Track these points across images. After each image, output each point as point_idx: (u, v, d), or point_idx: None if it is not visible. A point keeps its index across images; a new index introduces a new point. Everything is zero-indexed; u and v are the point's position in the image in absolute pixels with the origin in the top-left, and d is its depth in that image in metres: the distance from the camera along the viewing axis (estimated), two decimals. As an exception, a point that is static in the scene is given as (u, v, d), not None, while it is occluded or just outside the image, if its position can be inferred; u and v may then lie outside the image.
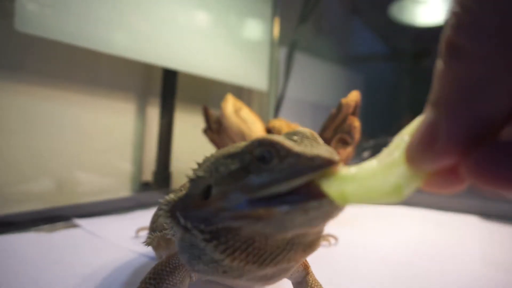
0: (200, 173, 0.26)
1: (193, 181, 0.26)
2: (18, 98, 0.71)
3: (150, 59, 0.86)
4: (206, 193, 0.25)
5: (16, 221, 0.61)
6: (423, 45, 1.66)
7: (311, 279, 0.34)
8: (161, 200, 0.30)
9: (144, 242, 0.40)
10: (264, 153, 0.23)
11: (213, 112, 0.86)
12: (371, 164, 0.20)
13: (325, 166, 0.21)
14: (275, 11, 1.29)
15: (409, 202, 1.02)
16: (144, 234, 0.57)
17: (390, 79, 1.80)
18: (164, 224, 0.30)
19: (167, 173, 0.98)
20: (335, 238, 0.60)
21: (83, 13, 0.71)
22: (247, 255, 0.23)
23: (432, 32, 1.57)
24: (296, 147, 0.23)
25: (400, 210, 0.95)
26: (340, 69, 1.74)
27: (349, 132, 0.65)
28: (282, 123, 0.79)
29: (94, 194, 0.84)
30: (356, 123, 0.66)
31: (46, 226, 0.61)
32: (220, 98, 0.82)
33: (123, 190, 0.93)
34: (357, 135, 0.66)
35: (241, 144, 0.26)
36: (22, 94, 0.71)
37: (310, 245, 0.25)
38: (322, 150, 0.23)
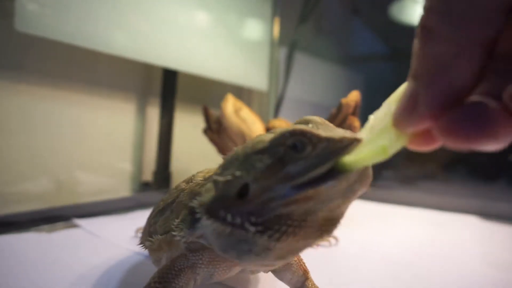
0: (237, 173, 0.26)
1: (228, 182, 0.26)
2: (18, 98, 0.71)
3: (150, 59, 0.86)
4: (242, 192, 0.26)
5: (16, 221, 0.61)
6: (423, 45, 1.65)
7: (310, 283, 0.34)
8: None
9: (140, 245, 0.40)
10: (297, 143, 0.24)
11: (213, 112, 0.86)
12: (364, 133, 0.24)
13: (352, 144, 0.24)
14: (275, 11, 1.29)
15: (409, 202, 1.02)
16: (144, 234, 0.57)
17: (390, 79, 1.80)
18: (172, 226, 0.31)
19: (167, 173, 0.98)
20: (336, 239, 0.60)
21: (83, 13, 0.71)
22: (298, 233, 0.25)
23: (432, 32, 1.57)
24: (323, 133, 0.25)
25: (400, 210, 0.96)
26: (340, 69, 1.74)
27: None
28: (282, 123, 0.79)
29: (94, 194, 0.84)
30: (356, 123, 0.66)
31: (46, 226, 0.61)
32: (220, 98, 0.82)
33: (123, 190, 0.93)
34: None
35: (265, 138, 0.26)
36: (22, 94, 0.71)
37: (338, 219, 0.27)
38: (342, 132, 0.25)
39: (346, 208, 0.26)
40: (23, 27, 0.62)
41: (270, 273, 0.35)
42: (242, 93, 1.30)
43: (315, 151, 0.24)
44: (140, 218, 0.70)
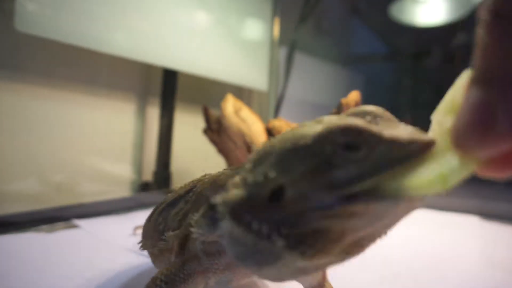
0: (272, 174, 0.21)
1: (258, 182, 0.22)
2: (18, 98, 0.71)
3: (150, 59, 0.86)
4: (275, 194, 0.21)
5: (16, 221, 0.61)
6: (423, 45, 1.66)
7: (327, 285, 0.32)
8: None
9: (143, 249, 0.37)
10: (350, 143, 0.20)
11: (213, 112, 0.86)
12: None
13: (423, 151, 0.19)
14: (275, 11, 1.29)
15: (409, 202, 1.02)
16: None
17: (390, 79, 1.80)
18: (191, 221, 0.27)
19: (167, 173, 0.98)
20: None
21: (83, 13, 0.71)
22: (331, 252, 0.21)
23: (432, 32, 1.57)
24: (385, 133, 0.20)
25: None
26: (340, 69, 1.74)
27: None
28: (282, 123, 0.79)
29: (94, 194, 0.84)
30: (356, 123, 0.66)
31: (46, 226, 0.61)
32: (220, 98, 0.82)
33: (123, 190, 0.93)
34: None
35: (308, 131, 0.21)
36: (22, 94, 0.71)
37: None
38: (411, 131, 0.20)
39: (384, 232, 0.22)
40: (23, 27, 0.62)
41: None
42: (242, 93, 1.30)
43: (372, 155, 0.19)
44: (140, 218, 0.70)
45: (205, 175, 0.33)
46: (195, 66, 0.97)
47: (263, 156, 0.22)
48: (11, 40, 0.68)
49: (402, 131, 0.20)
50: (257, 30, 1.22)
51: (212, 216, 0.25)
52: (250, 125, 0.77)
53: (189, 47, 0.95)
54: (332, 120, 0.20)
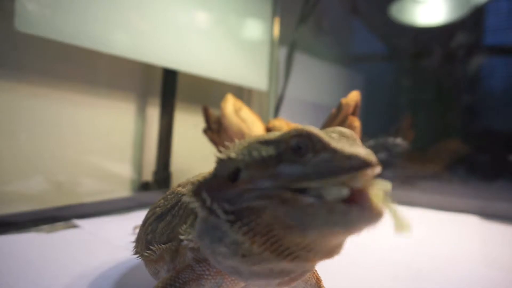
0: (232, 154, 0.25)
1: (222, 161, 0.26)
2: (18, 98, 0.71)
3: (150, 59, 0.86)
4: (234, 176, 0.25)
5: (16, 221, 0.61)
6: (423, 45, 1.65)
7: None
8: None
9: (136, 255, 0.37)
10: (300, 144, 0.23)
11: (213, 112, 0.86)
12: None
13: (361, 168, 0.21)
14: (275, 11, 1.29)
15: (409, 202, 1.02)
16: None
17: (390, 79, 1.80)
18: (180, 230, 0.29)
19: (167, 173, 0.98)
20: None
21: (83, 13, 0.71)
22: (266, 241, 0.23)
23: (432, 32, 1.57)
24: (333, 143, 0.22)
25: (400, 210, 0.95)
26: (340, 69, 1.73)
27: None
28: (282, 123, 0.79)
29: (94, 194, 0.84)
30: (356, 123, 0.66)
31: (46, 226, 0.61)
32: (220, 98, 0.82)
33: (123, 190, 0.93)
34: (357, 135, 0.66)
35: (278, 132, 0.25)
36: (22, 94, 0.71)
37: (330, 252, 0.24)
38: (361, 150, 0.22)
39: (332, 242, 0.23)
40: (23, 27, 0.62)
41: None
42: (242, 93, 1.30)
43: (314, 159, 0.22)
44: (140, 218, 0.70)
45: (188, 182, 0.34)
46: (195, 66, 0.97)
47: (235, 145, 0.27)
48: (11, 40, 0.68)
49: (357, 150, 0.22)
50: (257, 30, 1.22)
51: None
52: (250, 125, 0.77)
53: (189, 47, 0.95)
54: (296, 127, 0.24)
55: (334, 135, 0.24)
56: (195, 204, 0.26)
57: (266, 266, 0.24)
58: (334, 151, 0.22)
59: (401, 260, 0.54)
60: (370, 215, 0.20)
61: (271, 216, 0.23)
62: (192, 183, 0.31)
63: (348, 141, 0.24)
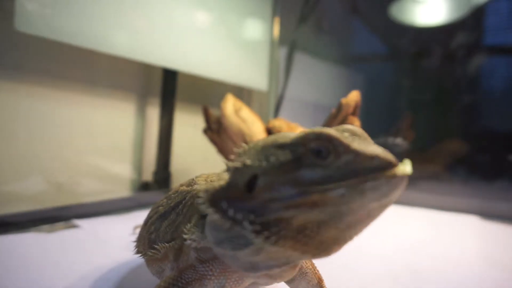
0: (248, 161, 0.24)
1: (237, 169, 0.25)
2: (18, 98, 0.71)
3: (150, 59, 0.86)
4: (251, 183, 0.24)
5: (16, 221, 0.61)
6: (423, 45, 1.65)
7: None
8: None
9: (138, 254, 0.37)
10: (321, 148, 0.22)
11: (213, 112, 0.86)
12: None
13: (384, 168, 0.21)
14: (275, 11, 1.29)
15: (409, 202, 1.02)
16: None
17: (390, 79, 1.80)
18: (184, 229, 0.29)
19: (167, 173, 0.98)
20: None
21: (83, 13, 0.71)
22: (296, 242, 0.22)
23: (432, 32, 1.57)
24: (354, 144, 0.22)
25: (400, 210, 0.95)
26: (340, 69, 1.73)
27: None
28: (282, 123, 0.79)
29: (94, 194, 0.84)
30: (356, 123, 0.66)
31: (46, 226, 0.61)
32: (220, 98, 0.82)
33: (123, 190, 0.93)
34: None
35: (290, 134, 0.24)
36: (22, 94, 0.71)
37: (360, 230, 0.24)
38: (379, 150, 0.22)
39: (357, 231, 0.23)
40: (23, 27, 0.62)
41: (283, 282, 0.33)
42: (242, 93, 1.30)
43: (337, 162, 0.22)
44: (140, 218, 0.70)
45: (193, 181, 0.34)
46: (195, 66, 0.97)
47: (247, 150, 0.26)
48: (11, 40, 0.68)
49: (373, 149, 0.22)
50: (257, 30, 1.22)
51: (203, 224, 0.27)
52: (250, 125, 0.77)
53: (189, 47, 0.95)
54: (313, 129, 0.23)
55: (346, 134, 0.23)
56: (215, 216, 0.25)
57: (284, 255, 0.24)
58: (357, 153, 0.22)
59: (401, 260, 0.54)
60: (396, 181, 0.21)
61: (302, 221, 0.22)
62: (198, 183, 0.31)
63: (362, 140, 0.23)
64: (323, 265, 0.37)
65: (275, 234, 0.22)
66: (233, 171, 0.25)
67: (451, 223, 0.82)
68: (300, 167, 0.22)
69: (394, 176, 0.21)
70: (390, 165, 0.21)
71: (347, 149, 0.22)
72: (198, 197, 0.27)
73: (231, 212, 0.24)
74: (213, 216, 0.25)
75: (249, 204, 0.23)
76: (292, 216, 0.22)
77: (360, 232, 0.24)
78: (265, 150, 0.24)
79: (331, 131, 0.22)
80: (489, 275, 0.50)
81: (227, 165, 0.26)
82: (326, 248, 0.23)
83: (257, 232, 0.23)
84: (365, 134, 0.24)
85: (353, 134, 0.24)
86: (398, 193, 0.21)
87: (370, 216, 0.23)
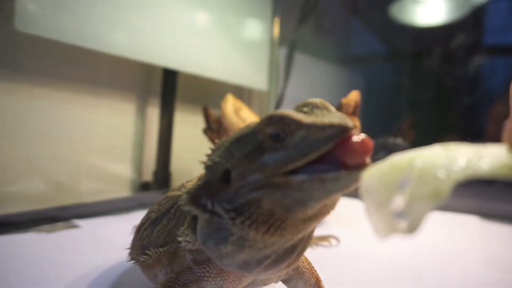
0: (216, 159, 0.26)
1: (209, 167, 0.26)
2: (18, 98, 0.71)
3: (150, 59, 0.86)
4: (226, 177, 0.25)
5: (16, 221, 0.61)
6: (423, 45, 1.65)
7: None
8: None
9: (132, 261, 0.37)
10: (277, 130, 0.23)
11: (213, 112, 0.86)
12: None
13: (338, 135, 0.21)
14: (275, 11, 1.29)
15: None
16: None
17: (390, 79, 1.80)
18: (178, 232, 0.29)
19: (167, 173, 0.98)
20: (337, 239, 0.60)
21: (83, 13, 0.71)
22: (269, 226, 0.23)
23: (432, 32, 1.57)
24: (306, 119, 0.23)
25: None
26: (340, 69, 1.74)
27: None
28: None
29: (94, 194, 0.84)
30: (356, 123, 0.66)
31: (46, 226, 0.61)
32: (220, 98, 0.82)
33: (123, 190, 0.93)
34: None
35: (251, 124, 0.25)
36: (22, 94, 0.71)
37: (327, 212, 0.25)
38: (334, 117, 0.22)
39: (328, 211, 0.25)
40: (23, 27, 0.62)
41: (280, 283, 0.33)
42: (242, 93, 1.30)
43: (293, 140, 0.23)
44: (140, 218, 0.70)
45: (182, 185, 0.34)
46: (195, 66, 0.97)
47: (217, 147, 0.27)
48: (11, 40, 0.68)
49: (330, 118, 0.22)
50: (257, 30, 1.22)
51: (195, 225, 0.28)
52: (250, 125, 0.77)
53: (189, 47, 0.95)
54: (268, 113, 0.24)
55: (305, 109, 0.24)
56: (196, 211, 0.26)
57: (272, 249, 0.25)
58: (308, 127, 0.22)
59: (401, 260, 0.54)
60: (356, 175, 0.21)
61: (269, 203, 0.23)
62: (186, 187, 0.31)
63: (321, 111, 0.24)
64: (321, 265, 0.37)
65: (248, 218, 0.23)
66: (207, 169, 0.26)
67: (451, 223, 0.82)
68: (263, 153, 0.23)
69: (356, 170, 0.21)
70: (343, 131, 0.21)
71: (298, 125, 0.22)
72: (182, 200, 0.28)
73: (209, 204, 0.25)
74: (195, 212, 0.26)
75: (225, 195, 0.25)
76: (259, 198, 0.23)
77: (332, 210, 0.25)
78: (230, 145, 0.25)
79: (282, 111, 0.23)
80: (489, 275, 0.50)
81: (202, 162, 0.27)
82: (301, 229, 0.24)
83: (233, 219, 0.24)
84: (326, 104, 0.25)
85: (314, 107, 0.24)
86: (356, 184, 0.21)
87: (331, 201, 0.24)
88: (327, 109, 0.24)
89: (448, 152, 0.18)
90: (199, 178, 0.28)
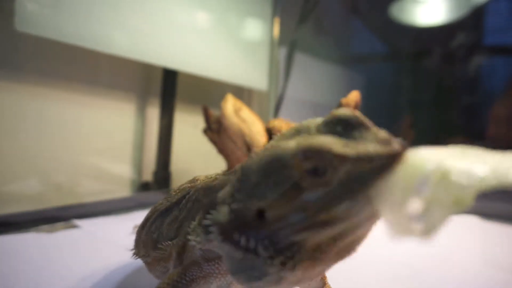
0: (249, 201, 0.23)
1: (241, 208, 0.23)
2: (18, 98, 0.71)
3: (150, 59, 0.86)
4: (260, 213, 0.23)
5: (16, 221, 0.61)
6: (423, 45, 1.66)
7: None
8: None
9: (137, 257, 0.36)
10: (315, 167, 0.20)
11: (213, 112, 0.86)
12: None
13: (388, 165, 0.19)
14: (275, 11, 1.29)
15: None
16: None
17: (390, 79, 1.80)
18: (188, 229, 0.27)
19: (167, 173, 0.98)
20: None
21: (83, 13, 0.71)
22: (314, 261, 0.22)
23: (432, 32, 1.57)
24: (349, 151, 0.20)
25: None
26: (340, 69, 1.74)
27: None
28: (282, 123, 0.79)
29: (94, 194, 0.84)
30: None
31: (46, 226, 0.61)
32: (220, 98, 0.82)
33: (123, 190, 0.93)
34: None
35: (278, 155, 0.22)
36: (22, 94, 0.71)
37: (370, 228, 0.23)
38: (377, 140, 0.20)
39: (370, 227, 0.23)
40: (23, 27, 0.62)
41: None
42: (242, 93, 1.30)
43: (337, 175, 0.20)
44: (140, 218, 0.70)
45: (195, 179, 0.33)
46: (195, 66, 0.97)
47: (243, 180, 0.24)
48: (11, 40, 0.68)
49: (372, 143, 0.20)
50: (257, 30, 1.22)
51: (208, 225, 0.26)
52: (250, 125, 0.77)
53: (189, 47, 0.95)
54: (300, 141, 0.21)
55: (339, 128, 0.21)
56: (228, 248, 0.23)
57: (307, 276, 0.23)
58: (354, 160, 0.19)
59: (401, 260, 0.54)
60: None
61: (316, 241, 0.21)
62: (214, 177, 0.29)
63: (359, 131, 0.21)
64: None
65: (290, 259, 0.21)
66: (236, 209, 0.24)
67: (451, 223, 0.82)
68: (301, 192, 0.21)
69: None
70: (395, 157, 0.19)
71: (342, 160, 0.20)
72: (211, 197, 0.26)
73: (243, 240, 0.23)
74: (225, 248, 0.24)
75: (262, 232, 0.22)
76: (304, 238, 0.21)
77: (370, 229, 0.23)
78: (260, 182, 0.22)
79: (319, 142, 0.20)
80: (489, 276, 0.50)
81: (229, 194, 0.24)
82: (347, 252, 0.23)
83: (272, 258, 0.22)
84: (360, 120, 0.21)
85: (347, 125, 0.21)
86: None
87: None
88: (363, 126, 0.21)
89: (468, 157, 0.17)
90: (222, 200, 0.25)
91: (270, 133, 0.77)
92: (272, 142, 0.25)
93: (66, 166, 0.79)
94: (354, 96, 0.67)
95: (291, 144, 0.21)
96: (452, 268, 0.52)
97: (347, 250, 0.23)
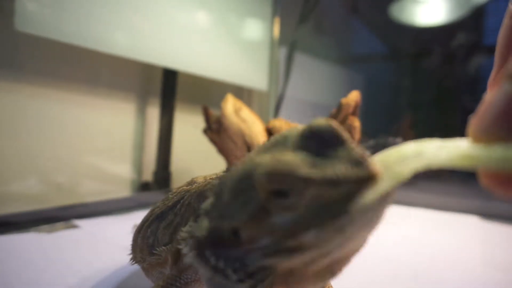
0: (222, 221, 0.22)
1: (214, 227, 0.23)
2: (19, 98, 0.71)
3: (150, 59, 0.86)
4: (235, 232, 0.22)
5: (16, 221, 0.61)
6: (423, 45, 1.66)
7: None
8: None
9: (136, 262, 0.36)
10: (279, 189, 0.19)
11: (213, 112, 0.86)
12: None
13: (356, 191, 0.18)
14: (275, 11, 1.29)
15: (409, 202, 1.02)
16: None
17: (390, 79, 1.80)
18: (181, 232, 0.26)
19: (167, 173, 0.98)
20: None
21: (83, 13, 0.71)
22: (288, 285, 0.21)
23: (432, 32, 1.57)
24: (312, 172, 0.18)
25: (400, 210, 0.95)
26: (340, 69, 1.74)
27: (349, 132, 0.65)
28: (282, 123, 0.79)
29: (94, 194, 0.84)
30: (356, 123, 0.66)
31: (46, 226, 0.61)
32: (220, 98, 0.82)
33: (123, 190, 0.93)
34: (357, 135, 0.67)
35: (246, 174, 0.21)
36: (23, 94, 0.71)
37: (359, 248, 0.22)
38: (345, 168, 0.18)
39: (357, 249, 0.22)
40: (23, 27, 0.62)
41: None
42: (242, 93, 1.30)
43: (303, 200, 0.18)
44: (140, 218, 0.70)
45: (193, 181, 0.33)
46: (195, 66, 0.97)
47: (217, 197, 0.23)
48: (11, 40, 0.68)
49: (345, 160, 0.19)
50: (257, 30, 1.22)
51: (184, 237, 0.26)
52: (250, 125, 0.77)
53: (189, 47, 0.95)
54: (267, 159, 0.19)
55: (312, 144, 0.20)
56: (198, 265, 0.23)
57: None
58: (318, 185, 0.18)
59: (401, 260, 0.54)
60: (381, 202, 0.19)
61: (286, 266, 0.20)
62: (207, 182, 0.29)
63: (332, 149, 0.19)
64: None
65: (260, 283, 0.20)
66: (210, 227, 0.23)
67: (451, 223, 0.82)
68: (269, 214, 0.19)
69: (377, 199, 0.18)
70: (361, 185, 0.18)
71: (306, 183, 0.18)
72: (203, 201, 0.25)
73: (213, 260, 0.22)
74: (196, 263, 0.23)
75: (233, 253, 0.21)
76: (273, 263, 0.20)
77: (361, 247, 0.22)
78: (232, 202, 0.21)
79: (282, 163, 0.19)
80: (489, 276, 0.50)
81: (208, 208, 0.24)
82: (330, 273, 0.22)
83: (241, 281, 0.21)
84: (335, 132, 0.20)
85: (321, 141, 0.20)
86: (385, 210, 0.19)
87: (364, 237, 0.21)
88: (338, 141, 0.20)
89: (420, 146, 0.19)
90: (204, 212, 0.24)
91: (270, 133, 0.77)
92: (250, 154, 0.23)
93: (66, 166, 0.79)
94: (354, 96, 0.67)
95: (262, 160, 0.20)
96: (452, 268, 0.52)
97: (329, 271, 0.22)
